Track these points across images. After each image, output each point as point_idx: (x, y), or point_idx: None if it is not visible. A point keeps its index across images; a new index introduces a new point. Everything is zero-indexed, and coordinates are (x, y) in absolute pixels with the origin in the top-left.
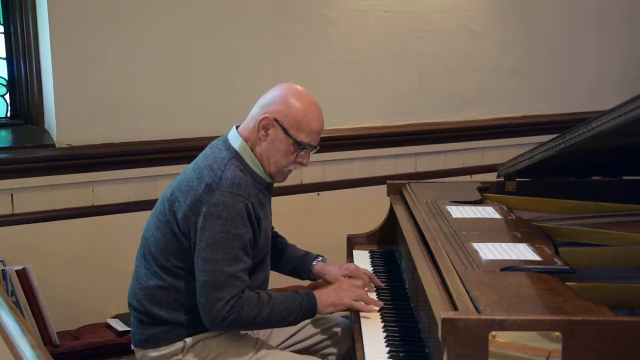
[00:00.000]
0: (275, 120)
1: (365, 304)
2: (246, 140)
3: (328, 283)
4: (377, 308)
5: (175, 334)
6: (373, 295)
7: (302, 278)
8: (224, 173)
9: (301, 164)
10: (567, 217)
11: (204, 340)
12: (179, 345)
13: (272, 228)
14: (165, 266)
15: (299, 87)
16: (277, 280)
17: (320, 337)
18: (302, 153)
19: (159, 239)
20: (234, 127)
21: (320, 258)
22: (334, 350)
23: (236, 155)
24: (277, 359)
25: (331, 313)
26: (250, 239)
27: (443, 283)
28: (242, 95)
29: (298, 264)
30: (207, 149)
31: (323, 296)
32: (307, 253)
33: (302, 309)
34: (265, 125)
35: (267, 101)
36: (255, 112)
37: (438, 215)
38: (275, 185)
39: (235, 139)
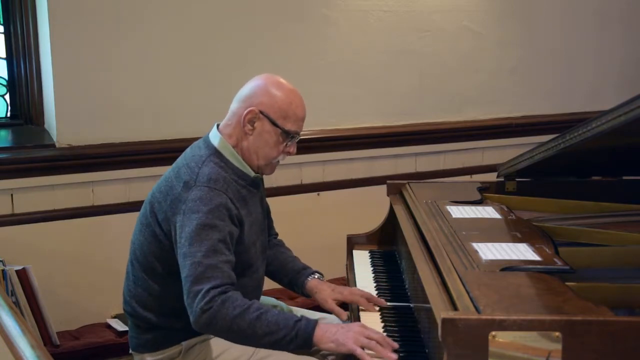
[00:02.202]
0: (261, 112)
1: (374, 353)
2: (229, 136)
3: (318, 301)
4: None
5: (171, 338)
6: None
7: (296, 292)
8: (201, 170)
9: (289, 153)
10: (567, 217)
11: (200, 343)
12: (175, 349)
13: (276, 235)
14: (150, 270)
15: (276, 77)
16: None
17: None
18: (289, 142)
19: (142, 242)
20: (214, 126)
21: (316, 275)
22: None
23: (215, 153)
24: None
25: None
26: (231, 233)
27: (443, 283)
28: None
29: (293, 277)
30: (187, 150)
31: (328, 329)
32: (305, 268)
33: (296, 330)
34: (251, 118)
35: (248, 94)
36: (236, 107)
37: (438, 215)
38: (275, 185)
39: (214, 137)
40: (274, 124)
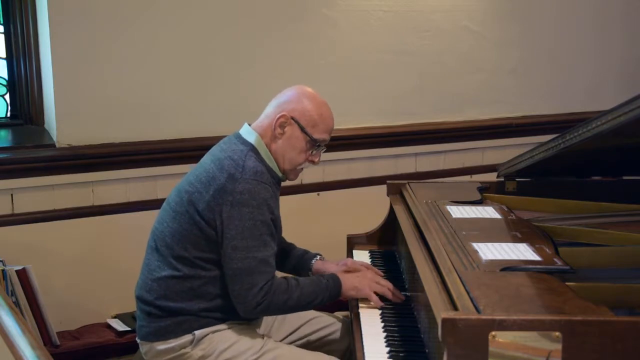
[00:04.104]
0: (293, 118)
1: (385, 297)
2: (262, 136)
3: None
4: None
5: (184, 326)
6: None
7: (301, 276)
8: (246, 163)
9: (313, 162)
10: (567, 217)
11: (212, 334)
12: (187, 337)
13: None
14: (183, 256)
15: (310, 89)
16: None
17: (319, 335)
18: (314, 151)
19: (176, 229)
20: (245, 124)
21: (318, 257)
22: (332, 348)
23: (252, 148)
24: (285, 353)
25: (337, 309)
26: (274, 222)
27: (443, 283)
28: (242, 95)
29: (297, 262)
30: (221, 144)
31: (347, 279)
32: (306, 252)
33: (328, 290)
34: (283, 123)
35: (283, 101)
36: (270, 111)
37: (438, 215)
38: None
39: (249, 134)
40: (303, 130)
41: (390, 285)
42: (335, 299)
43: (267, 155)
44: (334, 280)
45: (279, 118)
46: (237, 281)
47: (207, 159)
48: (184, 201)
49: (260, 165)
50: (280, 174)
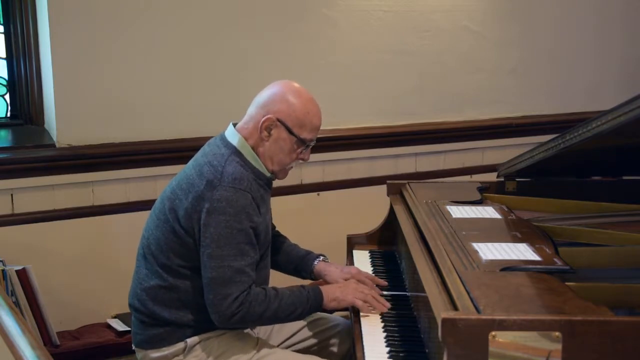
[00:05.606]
0: (278, 120)
1: (370, 305)
2: (247, 138)
3: (328, 284)
4: (379, 311)
5: (177, 334)
6: None
7: (303, 277)
8: (225, 169)
9: (303, 159)
10: (567, 217)
11: (205, 341)
12: (180, 345)
13: (274, 227)
14: (167, 265)
15: (295, 84)
16: (279, 280)
17: (320, 337)
18: (304, 150)
19: (159, 237)
20: (230, 125)
21: (321, 258)
22: (334, 350)
23: (235, 151)
24: (279, 357)
25: (333, 311)
26: (255, 229)
27: (443, 283)
28: (242, 95)
29: (299, 263)
30: (205, 147)
31: (328, 291)
32: (309, 252)
33: (309, 302)
34: (268, 126)
35: (266, 100)
36: (254, 112)
37: (438, 215)
38: (275, 185)
39: (233, 136)
40: (290, 132)
41: (374, 293)
42: (316, 311)
43: (252, 157)
44: (315, 292)
45: (264, 122)
46: (211, 290)
47: (190, 164)
48: (165, 208)
49: (242, 170)
50: (268, 174)
